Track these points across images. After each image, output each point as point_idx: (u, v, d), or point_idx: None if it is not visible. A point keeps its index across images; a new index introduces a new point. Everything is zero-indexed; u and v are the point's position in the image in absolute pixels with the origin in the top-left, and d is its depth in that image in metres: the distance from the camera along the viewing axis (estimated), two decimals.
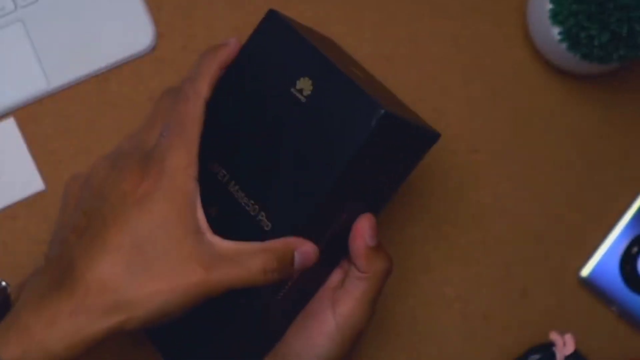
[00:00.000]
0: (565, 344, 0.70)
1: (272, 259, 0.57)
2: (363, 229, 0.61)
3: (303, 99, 0.59)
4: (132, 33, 0.72)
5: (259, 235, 0.58)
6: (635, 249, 0.71)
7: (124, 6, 0.72)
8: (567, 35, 0.67)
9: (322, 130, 0.58)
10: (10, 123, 0.72)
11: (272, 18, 0.62)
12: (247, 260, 0.56)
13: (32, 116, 0.72)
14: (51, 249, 0.60)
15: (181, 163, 0.57)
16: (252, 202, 0.59)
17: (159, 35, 0.73)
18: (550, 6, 0.68)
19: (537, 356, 0.70)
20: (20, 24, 0.71)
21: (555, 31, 0.68)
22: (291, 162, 0.59)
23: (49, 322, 0.54)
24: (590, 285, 0.72)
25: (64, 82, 0.72)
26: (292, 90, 0.60)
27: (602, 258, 0.72)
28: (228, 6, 0.73)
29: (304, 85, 0.59)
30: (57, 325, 0.54)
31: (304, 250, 0.58)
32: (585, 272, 0.72)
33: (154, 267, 0.55)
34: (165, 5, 0.73)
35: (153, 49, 0.73)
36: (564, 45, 0.68)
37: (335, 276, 0.64)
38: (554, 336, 0.70)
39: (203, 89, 0.59)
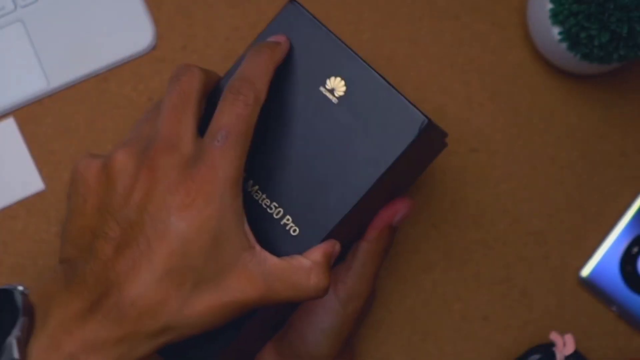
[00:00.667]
0: (565, 344, 0.70)
1: (323, 276, 0.56)
2: (400, 210, 0.62)
3: (335, 100, 0.58)
4: (132, 33, 0.72)
5: (287, 240, 0.58)
6: (635, 249, 0.71)
7: (124, 6, 0.72)
8: (567, 35, 0.67)
9: (355, 134, 0.58)
10: (10, 123, 0.72)
11: (293, 9, 0.59)
12: (300, 278, 0.55)
13: (32, 116, 0.72)
14: (71, 254, 0.56)
15: (234, 175, 0.54)
16: (275, 204, 0.58)
17: (159, 35, 0.73)
18: (550, 6, 0.68)
19: (537, 356, 0.70)
20: (20, 24, 0.72)
21: (555, 31, 0.68)
22: (319, 164, 0.58)
23: (95, 349, 0.52)
24: (590, 285, 0.72)
25: (64, 82, 0.72)
26: (322, 89, 0.58)
27: (602, 258, 0.72)
28: (228, 6, 0.73)
29: (336, 85, 0.58)
30: (104, 352, 0.52)
31: (335, 252, 0.58)
32: (585, 272, 0.72)
33: (205, 285, 0.53)
34: (165, 5, 0.73)
35: (153, 49, 0.73)
36: (564, 45, 0.68)
37: None
38: (554, 336, 0.70)
39: (263, 94, 0.56)
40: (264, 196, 0.58)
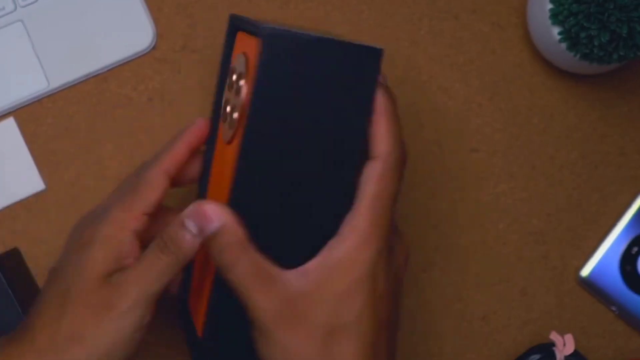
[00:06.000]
0: (565, 344, 0.70)
1: None
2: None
3: None
4: (132, 33, 0.72)
5: None
6: (635, 249, 0.71)
7: (124, 6, 0.72)
8: (567, 35, 0.67)
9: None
10: (10, 123, 0.72)
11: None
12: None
13: (32, 116, 0.72)
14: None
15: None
16: None
17: (159, 35, 0.73)
18: (550, 6, 0.68)
19: (537, 356, 0.70)
20: (20, 24, 0.71)
21: (555, 31, 0.68)
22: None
23: None
24: (590, 285, 0.72)
25: (64, 82, 0.72)
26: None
27: (602, 258, 0.72)
28: (228, 6, 0.73)
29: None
30: None
31: None
32: (585, 272, 0.72)
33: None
34: (165, 5, 0.73)
35: (153, 49, 0.73)
36: (564, 45, 0.68)
37: None
38: (554, 336, 0.70)
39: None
40: None
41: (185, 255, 0.57)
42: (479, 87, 0.73)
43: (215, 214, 0.56)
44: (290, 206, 0.57)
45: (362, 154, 0.57)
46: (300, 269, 0.57)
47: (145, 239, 0.60)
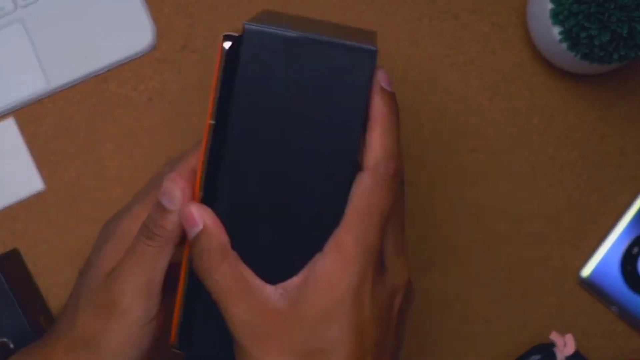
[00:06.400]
0: (565, 345, 0.70)
1: None
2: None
3: None
4: (132, 33, 0.72)
5: None
6: (636, 249, 0.71)
7: (124, 6, 0.72)
8: (567, 35, 0.67)
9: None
10: (10, 123, 0.72)
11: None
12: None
13: (32, 116, 0.72)
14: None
15: None
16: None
17: (159, 35, 0.73)
18: (550, 6, 0.68)
19: (537, 356, 0.70)
20: (20, 24, 0.71)
21: (556, 31, 0.68)
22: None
23: None
24: (590, 285, 0.72)
25: (64, 82, 0.72)
26: None
27: (602, 258, 0.72)
28: (228, 6, 0.73)
29: None
30: None
31: None
32: (585, 272, 0.72)
33: None
34: (165, 5, 0.73)
35: (153, 49, 0.73)
36: (564, 45, 0.68)
37: None
38: (554, 336, 0.70)
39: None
40: None
41: (171, 237, 0.56)
42: (479, 87, 0.73)
43: (198, 216, 0.54)
44: (276, 217, 0.55)
45: (357, 165, 0.54)
46: (282, 284, 0.54)
47: None
